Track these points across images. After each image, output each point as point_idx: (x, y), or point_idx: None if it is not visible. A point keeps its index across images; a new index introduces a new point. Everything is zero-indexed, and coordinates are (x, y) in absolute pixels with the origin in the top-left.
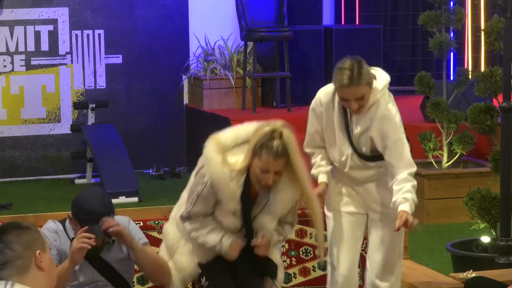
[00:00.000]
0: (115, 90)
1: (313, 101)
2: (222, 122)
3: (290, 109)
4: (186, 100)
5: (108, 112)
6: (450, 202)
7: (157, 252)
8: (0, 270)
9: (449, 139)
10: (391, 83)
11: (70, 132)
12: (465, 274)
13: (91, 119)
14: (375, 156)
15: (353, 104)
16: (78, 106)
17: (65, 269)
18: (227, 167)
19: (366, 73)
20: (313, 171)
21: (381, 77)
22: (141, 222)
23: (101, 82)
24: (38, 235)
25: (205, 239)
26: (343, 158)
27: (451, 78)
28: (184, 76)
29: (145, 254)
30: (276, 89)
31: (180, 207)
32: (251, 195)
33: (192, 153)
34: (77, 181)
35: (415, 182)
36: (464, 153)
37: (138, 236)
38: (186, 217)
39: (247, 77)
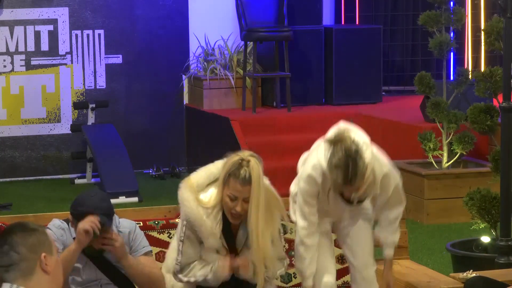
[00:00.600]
0: (115, 90)
1: (309, 177)
2: (222, 122)
3: (290, 109)
4: (186, 100)
5: (108, 112)
6: (450, 202)
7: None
8: (5, 272)
9: (449, 139)
10: (392, 83)
11: (70, 132)
12: (465, 274)
13: (91, 119)
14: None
15: (351, 196)
16: (78, 106)
17: (71, 251)
18: (201, 204)
19: (361, 168)
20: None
21: (378, 165)
22: (141, 222)
23: (101, 82)
24: (45, 237)
25: (197, 274)
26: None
27: (451, 78)
28: (184, 76)
29: (135, 270)
30: (276, 89)
31: (170, 255)
32: (233, 232)
33: (192, 153)
34: (77, 181)
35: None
36: (464, 153)
37: (142, 244)
38: (179, 271)
39: (247, 77)
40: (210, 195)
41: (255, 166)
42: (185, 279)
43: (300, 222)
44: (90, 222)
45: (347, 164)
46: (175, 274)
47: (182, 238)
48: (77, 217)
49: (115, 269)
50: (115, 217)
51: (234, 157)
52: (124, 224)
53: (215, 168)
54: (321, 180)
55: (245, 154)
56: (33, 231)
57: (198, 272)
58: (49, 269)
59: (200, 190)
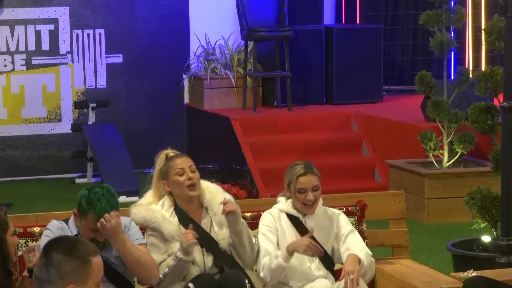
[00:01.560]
0: (115, 90)
1: (265, 220)
2: (223, 122)
3: (291, 108)
4: (186, 100)
5: (108, 111)
6: (450, 201)
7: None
8: (36, 283)
9: (449, 139)
10: (392, 83)
11: (70, 131)
12: (465, 273)
13: (91, 118)
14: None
15: (310, 195)
16: (79, 105)
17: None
18: (149, 204)
19: (316, 169)
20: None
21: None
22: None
23: (102, 82)
24: (84, 268)
25: (169, 263)
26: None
27: (452, 77)
28: (184, 76)
29: (124, 250)
30: (277, 89)
31: None
32: (193, 220)
33: (193, 152)
34: (78, 180)
35: (373, 259)
36: (465, 152)
37: (136, 237)
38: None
39: (247, 77)
40: (153, 197)
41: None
42: (161, 275)
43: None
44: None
45: (304, 161)
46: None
47: (148, 248)
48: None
49: (112, 268)
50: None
51: (160, 156)
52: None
53: (155, 188)
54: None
55: (164, 151)
56: (76, 258)
57: (168, 260)
58: None
59: (149, 205)
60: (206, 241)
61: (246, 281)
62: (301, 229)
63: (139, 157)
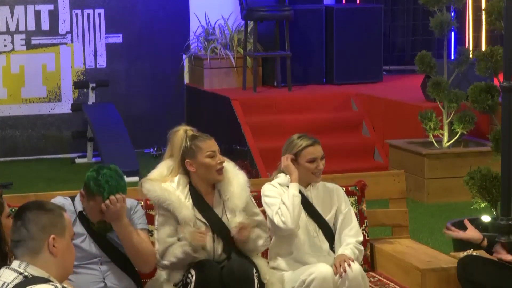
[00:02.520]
0: (115, 70)
1: (267, 191)
2: (223, 102)
3: (291, 88)
4: (186, 80)
5: (108, 91)
6: (450, 181)
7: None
8: (14, 247)
9: (449, 119)
10: (392, 63)
11: (70, 111)
12: (465, 253)
13: (91, 98)
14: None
15: (320, 163)
16: (79, 85)
17: None
18: (164, 182)
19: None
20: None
21: None
22: (141, 202)
23: (102, 62)
24: (59, 219)
25: (176, 252)
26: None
27: (452, 57)
28: (184, 56)
29: (124, 235)
30: (277, 69)
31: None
32: (208, 205)
33: None
34: (78, 160)
35: (362, 247)
36: (465, 132)
37: (140, 221)
38: (159, 258)
39: (247, 57)
40: (171, 174)
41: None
42: (167, 262)
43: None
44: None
45: (303, 134)
46: (157, 264)
47: (157, 227)
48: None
49: (115, 248)
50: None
51: (177, 134)
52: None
53: (168, 161)
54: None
55: (181, 127)
56: (49, 211)
57: (177, 250)
58: (56, 251)
59: (162, 180)
60: (218, 227)
61: (254, 271)
62: (304, 202)
63: (139, 137)
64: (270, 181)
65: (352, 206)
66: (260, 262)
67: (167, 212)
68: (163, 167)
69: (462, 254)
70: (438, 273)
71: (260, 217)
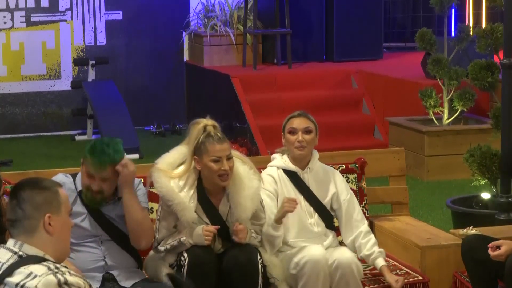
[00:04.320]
0: (115, 47)
1: (265, 183)
2: (223, 79)
3: (291, 66)
4: (186, 57)
5: (108, 68)
6: (450, 158)
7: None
8: (10, 226)
9: (449, 96)
10: (393, 40)
11: (70, 88)
12: (465, 230)
13: (91, 75)
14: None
15: (300, 135)
16: (78, 62)
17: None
18: (172, 178)
19: (313, 118)
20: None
21: None
22: (141, 179)
23: (101, 39)
24: (54, 197)
25: (173, 242)
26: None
27: (452, 34)
28: (184, 33)
29: (129, 206)
30: (277, 46)
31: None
32: (214, 206)
33: (193, 110)
34: (78, 137)
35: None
36: (465, 109)
37: (141, 199)
38: (156, 246)
39: (247, 34)
40: (181, 171)
41: (218, 126)
42: (162, 248)
43: None
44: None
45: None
46: (154, 248)
47: (159, 217)
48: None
49: (114, 226)
50: None
51: (196, 126)
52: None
53: (184, 147)
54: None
55: (204, 120)
56: (43, 189)
57: (171, 241)
58: (52, 230)
59: (172, 169)
60: (220, 228)
61: (258, 256)
62: (300, 184)
63: (139, 114)
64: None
65: (351, 183)
66: (263, 252)
67: (170, 209)
68: (177, 153)
69: (462, 231)
70: (437, 250)
71: (262, 221)
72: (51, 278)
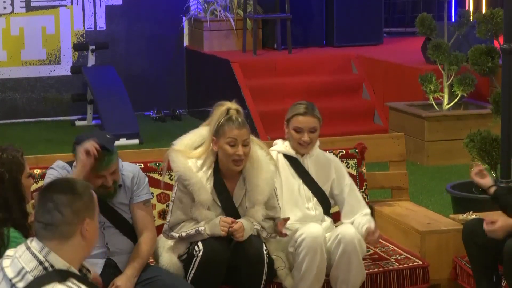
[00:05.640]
0: (115, 32)
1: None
2: (223, 64)
3: (291, 51)
4: (186, 42)
5: (108, 54)
6: (450, 143)
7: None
8: (41, 228)
9: (450, 81)
10: (393, 25)
11: (70, 74)
12: (465, 215)
13: (91, 60)
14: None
15: (305, 135)
16: (78, 47)
17: (75, 174)
18: (190, 158)
19: (318, 112)
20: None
21: None
22: (142, 164)
23: (101, 24)
24: (91, 201)
25: (188, 230)
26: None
27: (452, 19)
28: (184, 18)
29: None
30: (277, 31)
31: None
32: (227, 189)
33: (193, 95)
34: (78, 123)
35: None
36: (465, 94)
37: (144, 191)
38: (168, 229)
39: (247, 19)
40: (199, 151)
41: (242, 111)
42: (176, 234)
43: None
44: (89, 144)
45: (307, 102)
46: (164, 232)
47: (173, 199)
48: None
49: (117, 213)
50: (119, 160)
51: (220, 108)
52: (127, 168)
53: (203, 129)
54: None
55: (228, 103)
56: (82, 194)
57: (189, 227)
58: (88, 235)
59: (190, 150)
60: (231, 214)
61: (264, 248)
62: (299, 169)
63: (139, 99)
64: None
65: (351, 168)
66: (269, 242)
67: (186, 189)
68: (196, 135)
69: (462, 217)
70: (437, 235)
71: (277, 213)
72: None
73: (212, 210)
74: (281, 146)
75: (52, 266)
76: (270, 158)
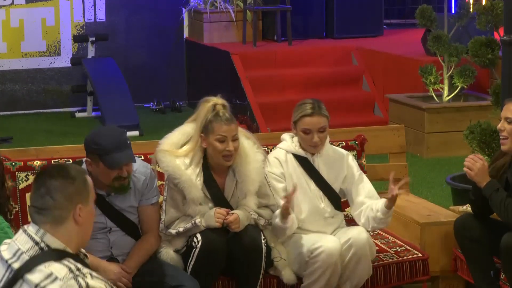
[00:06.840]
0: (115, 23)
1: (272, 167)
2: (223, 56)
3: (291, 42)
4: (186, 34)
5: (108, 45)
6: (450, 135)
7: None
8: (36, 213)
9: (450, 73)
10: (393, 17)
11: (70, 65)
12: (464, 207)
13: (91, 52)
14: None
15: (315, 137)
16: (78, 39)
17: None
18: (178, 156)
19: (325, 109)
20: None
21: None
22: (142, 156)
23: (101, 15)
24: (84, 186)
25: (187, 224)
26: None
27: (453, 11)
28: (184, 9)
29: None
30: (277, 23)
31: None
32: (217, 184)
33: (193, 87)
34: (78, 114)
35: None
36: (465, 86)
37: (153, 194)
38: (164, 228)
39: (247, 10)
40: (187, 149)
41: (228, 106)
42: (174, 231)
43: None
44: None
45: (313, 100)
46: (161, 231)
47: (165, 198)
48: (95, 152)
49: (123, 217)
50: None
51: (206, 104)
52: (140, 170)
53: (188, 127)
54: (281, 168)
55: (214, 99)
56: (74, 179)
57: (182, 224)
58: (81, 220)
59: (176, 149)
60: (223, 207)
61: (262, 237)
62: (310, 169)
63: (139, 91)
64: (269, 140)
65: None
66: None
67: (176, 187)
68: (181, 133)
69: (462, 208)
70: (437, 227)
71: (271, 200)
72: (72, 283)
73: (204, 205)
74: (290, 144)
75: (48, 246)
76: (258, 147)
